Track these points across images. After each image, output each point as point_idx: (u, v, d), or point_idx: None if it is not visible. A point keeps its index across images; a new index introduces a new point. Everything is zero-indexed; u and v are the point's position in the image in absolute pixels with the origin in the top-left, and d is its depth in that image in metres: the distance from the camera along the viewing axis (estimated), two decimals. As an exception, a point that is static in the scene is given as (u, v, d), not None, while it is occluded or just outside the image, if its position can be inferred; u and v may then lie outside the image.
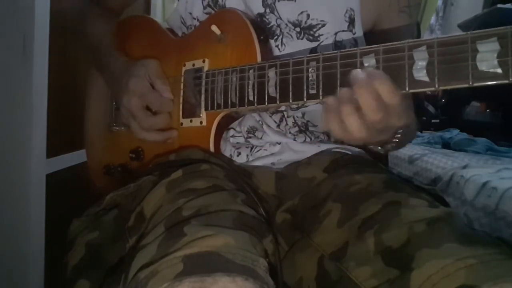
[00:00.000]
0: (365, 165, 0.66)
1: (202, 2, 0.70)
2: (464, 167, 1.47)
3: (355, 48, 0.47)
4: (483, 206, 1.25)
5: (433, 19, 2.80)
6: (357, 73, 0.44)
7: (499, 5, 1.93)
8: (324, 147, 0.71)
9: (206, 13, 0.70)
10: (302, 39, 0.67)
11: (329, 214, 0.55)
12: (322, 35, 0.66)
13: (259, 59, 0.59)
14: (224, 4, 0.68)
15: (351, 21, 0.67)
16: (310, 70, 0.50)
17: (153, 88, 0.65)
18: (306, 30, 0.66)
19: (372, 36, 0.70)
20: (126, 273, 0.42)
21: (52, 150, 1.11)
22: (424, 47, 0.42)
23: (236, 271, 0.37)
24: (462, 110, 2.16)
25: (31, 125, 1.02)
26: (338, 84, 0.47)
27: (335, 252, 0.50)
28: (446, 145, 1.87)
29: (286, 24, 0.67)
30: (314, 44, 0.67)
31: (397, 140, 0.52)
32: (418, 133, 2.19)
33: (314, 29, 0.66)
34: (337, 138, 0.48)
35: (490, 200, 1.23)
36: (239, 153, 0.70)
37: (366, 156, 0.75)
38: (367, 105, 0.43)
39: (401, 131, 0.51)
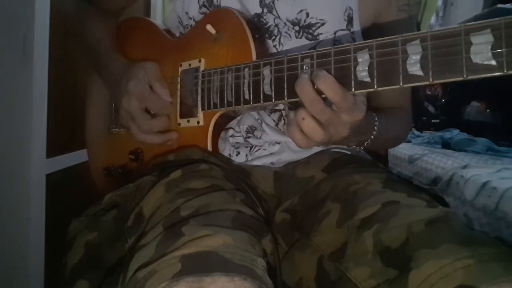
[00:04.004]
0: (364, 165, 0.66)
1: (198, 2, 0.70)
2: (464, 167, 1.46)
3: (349, 44, 0.47)
4: (483, 206, 1.25)
5: (433, 19, 2.80)
6: (301, 74, 0.49)
7: (499, 5, 1.93)
8: (323, 146, 0.71)
9: (202, 13, 0.70)
10: (301, 38, 0.67)
11: (328, 214, 0.55)
12: (321, 34, 0.66)
13: (254, 57, 0.59)
14: (219, 3, 0.68)
15: (350, 20, 0.67)
16: (304, 67, 0.50)
17: (152, 91, 0.66)
18: (305, 29, 0.66)
19: (371, 35, 0.71)
20: (125, 273, 0.42)
21: (52, 150, 1.11)
22: (417, 41, 0.42)
23: (235, 270, 0.37)
24: (462, 110, 2.16)
25: (31, 125, 1.02)
26: None
27: (334, 252, 0.50)
28: (446, 145, 1.87)
29: (285, 23, 0.67)
30: (313, 43, 0.67)
31: (372, 137, 0.59)
32: (418, 133, 2.19)
33: (314, 28, 0.66)
34: (301, 148, 0.53)
35: (490, 200, 1.23)
36: (238, 153, 0.70)
37: (366, 156, 0.75)
38: (307, 99, 0.47)
39: (376, 128, 0.57)
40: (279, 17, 0.66)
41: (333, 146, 0.72)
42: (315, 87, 0.47)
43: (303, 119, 0.48)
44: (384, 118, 0.61)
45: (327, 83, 0.46)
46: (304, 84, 0.47)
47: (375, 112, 0.60)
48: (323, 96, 0.47)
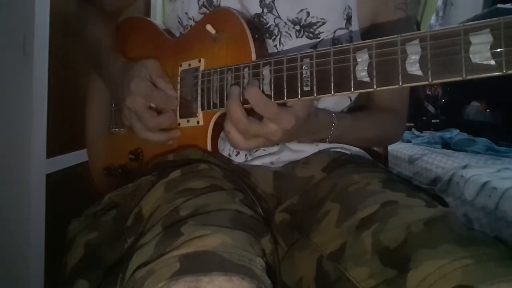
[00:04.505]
0: (363, 164, 0.66)
1: (197, 2, 0.70)
2: (464, 167, 1.47)
3: (348, 44, 0.47)
4: (483, 206, 1.25)
5: (433, 19, 2.80)
6: (232, 88, 0.54)
7: (499, 5, 1.93)
8: (322, 146, 0.71)
9: (202, 13, 0.70)
10: (301, 37, 0.67)
11: (327, 214, 0.55)
12: (322, 32, 0.67)
13: (254, 57, 0.59)
14: (219, 4, 0.68)
15: (348, 19, 0.68)
16: (304, 67, 0.50)
17: (155, 87, 0.66)
18: (306, 28, 0.66)
19: (369, 34, 0.71)
20: (124, 273, 0.42)
21: (52, 150, 1.11)
22: (416, 41, 0.41)
23: (233, 270, 0.37)
24: (462, 110, 2.16)
25: (31, 125, 1.02)
26: (332, 80, 0.47)
27: (333, 252, 0.50)
28: (446, 145, 1.87)
29: (285, 23, 0.67)
30: (314, 42, 0.67)
31: (330, 137, 0.63)
32: (418, 133, 2.19)
33: (314, 27, 0.66)
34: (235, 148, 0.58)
35: (490, 200, 1.23)
36: (238, 153, 0.70)
37: (365, 156, 0.75)
38: (233, 116, 0.52)
39: (333, 127, 0.62)
40: (279, 17, 0.67)
41: (333, 146, 0.72)
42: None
43: (229, 132, 0.54)
44: (350, 120, 0.66)
45: (251, 95, 0.50)
46: (232, 101, 0.52)
47: (339, 113, 0.63)
48: (248, 106, 0.51)
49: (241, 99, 0.53)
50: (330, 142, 0.67)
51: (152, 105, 0.66)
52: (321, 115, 0.61)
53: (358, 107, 0.77)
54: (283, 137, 0.54)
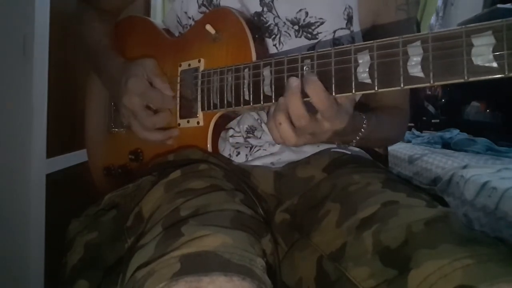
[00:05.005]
0: (364, 165, 0.66)
1: (197, 1, 0.70)
2: (464, 167, 1.47)
3: (349, 45, 0.46)
4: (483, 206, 1.25)
5: (433, 19, 2.80)
6: (291, 80, 0.48)
7: (499, 5, 1.93)
8: (323, 147, 0.71)
9: (201, 12, 0.70)
10: (300, 37, 0.67)
11: (327, 214, 0.55)
12: (320, 33, 0.67)
13: (254, 57, 0.59)
14: (219, 3, 0.68)
15: (349, 19, 0.68)
16: (304, 68, 0.50)
17: (152, 87, 0.66)
18: (305, 28, 0.66)
19: (371, 35, 0.71)
20: (124, 273, 0.42)
21: (52, 150, 1.11)
22: (418, 42, 0.41)
23: (233, 270, 0.37)
24: (462, 110, 2.16)
25: (31, 125, 1.02)
26: (333, 81, 0.47)
27: (333, 253, 0.50)
28: (446, 145, 1.87)
29: (284, 23, 0.67)
30: (313, 42, 0.67)
31: (358, 138, 0.59)
32: (418, 133, 2.19)
33: (313, 27, 0.66)
34: (278, 143, 0.54)
35: (490, 200, 1.23)
36: (238, 153, 0.70)
37: (366, 156, 0.75)
38: (294, 112, 0.48)
39: (363, 130, 0.58)
40: (278, 16, 0.66)
41: (333, 146, 0.72)
42: (303, 89, 0.47)
43: (280, 124, 0.49)
44: (375, 119, 0.62)
45: (316, 90, 0.46)
46: (293, 95, 0.47)
47: (365, 113, 0.60)
48: (307, 99, 0.47)
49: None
50: (356, 145, 0.64)
51: (150, 104, 0.66)
52: (356, 115, 0.57)
53: (361, 106, 0.76)
54: (330, 137, 0.51)
